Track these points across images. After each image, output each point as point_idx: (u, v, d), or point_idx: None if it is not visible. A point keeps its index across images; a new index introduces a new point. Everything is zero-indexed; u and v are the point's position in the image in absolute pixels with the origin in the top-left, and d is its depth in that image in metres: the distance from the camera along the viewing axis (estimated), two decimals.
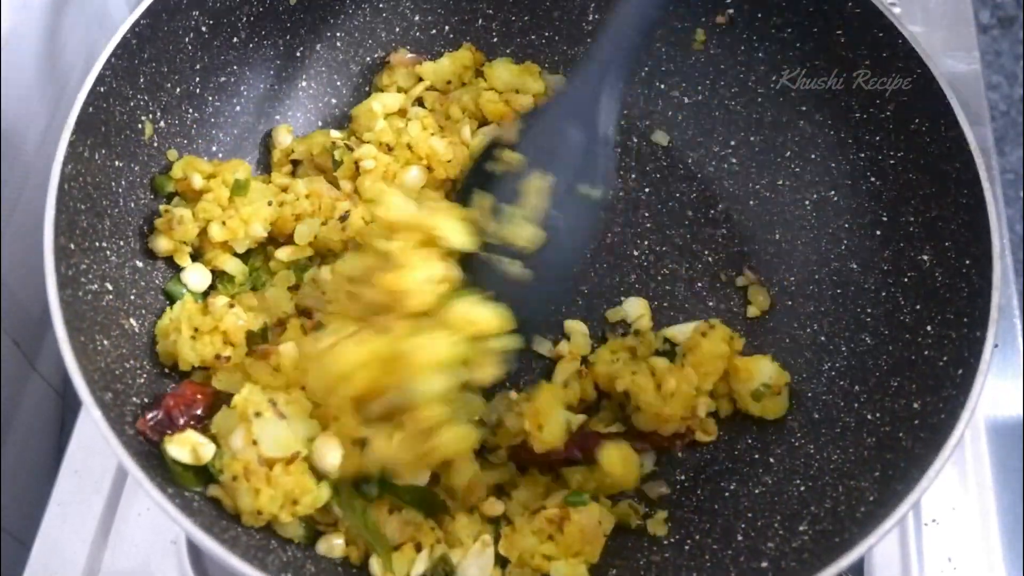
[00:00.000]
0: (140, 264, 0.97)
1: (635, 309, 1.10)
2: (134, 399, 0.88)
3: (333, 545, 0.88)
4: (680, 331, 1.07)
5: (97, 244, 0.92)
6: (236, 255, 1.04)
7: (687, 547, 0.93)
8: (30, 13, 1.08)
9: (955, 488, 1.03)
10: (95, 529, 1.00)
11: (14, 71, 1.07)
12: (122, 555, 0.99)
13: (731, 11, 1.15)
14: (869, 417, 0.94)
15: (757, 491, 0.96)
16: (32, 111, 1.12)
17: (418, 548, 0.88)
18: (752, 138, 1.17)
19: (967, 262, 0.92)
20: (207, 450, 0.85)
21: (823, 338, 1.04)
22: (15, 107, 1.08)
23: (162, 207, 1.01)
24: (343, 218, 1.04)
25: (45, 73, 1.13)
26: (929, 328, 0.93)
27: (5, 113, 1.06)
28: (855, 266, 1.05)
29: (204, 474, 0.86)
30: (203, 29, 1.04)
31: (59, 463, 1.04)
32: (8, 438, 1.11)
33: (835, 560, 0.78)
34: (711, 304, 1.11)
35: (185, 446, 0.85)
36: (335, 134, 1.13)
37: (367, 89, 1.21)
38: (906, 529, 1.01)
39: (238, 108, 1.11)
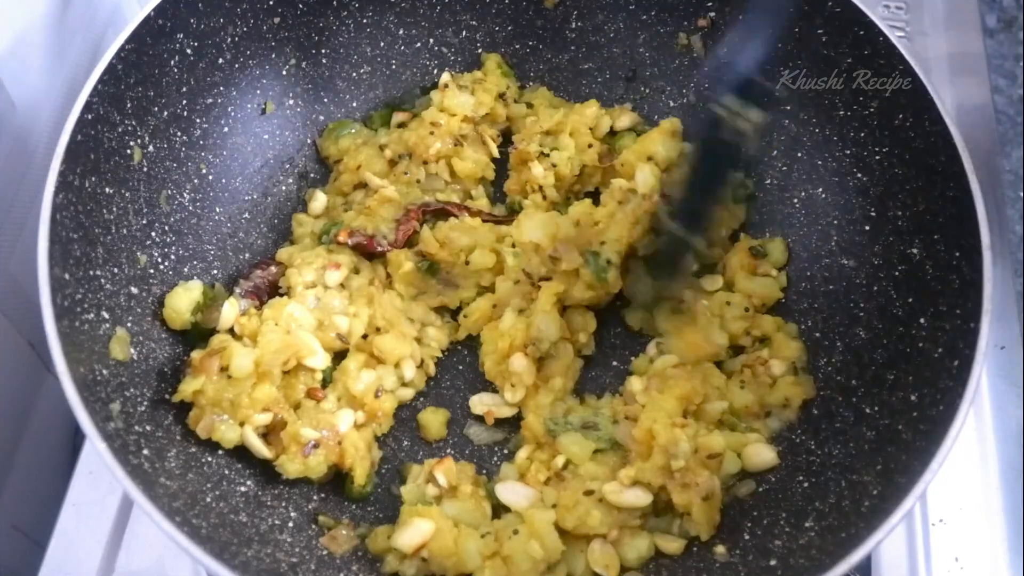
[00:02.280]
0: (135, 291, 0.97)
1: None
2: (136, 427, 0.87)
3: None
4: None
5: (91, 272, 0.91)
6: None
7: (695, 548, 0.93)
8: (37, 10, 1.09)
9: (962, 488, 1.04)
10: (110, 529, 1.00)
11: (20, 72, 1.07)
12: (136, 555, 0.99)
13: (712, 14, 1.16)
14: (868, 411, 0.95)
15: (761, 489, 0.96)
16: (42, 115, 1.13)
17: None
18: None
19: (957, 254, 0.93)
20: None
21: (818, 334, 1.05)
22: (26, 112, 1.08)
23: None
24: None
25: (53, 72, 1.14)
26: (922, 320, 0.94)
27: (18, 120, 1.06)
28: (846, 262, 1.06)
29: None
30: (188, 52, 1.03)
31: (74, 463, 1.03)
32: (24, 439, 1.11)
33: (844, 556, 0.78)
34: None
35: None
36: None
37: (354, 104, 1.21)
38: (913, 529, 1.02)
39: (226, 129, 1.11)
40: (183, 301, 0.99)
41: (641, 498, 0.93)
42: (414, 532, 0.91)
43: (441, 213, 1.12)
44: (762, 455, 0.97)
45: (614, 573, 0.91)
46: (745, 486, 0.97)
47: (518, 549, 0.91)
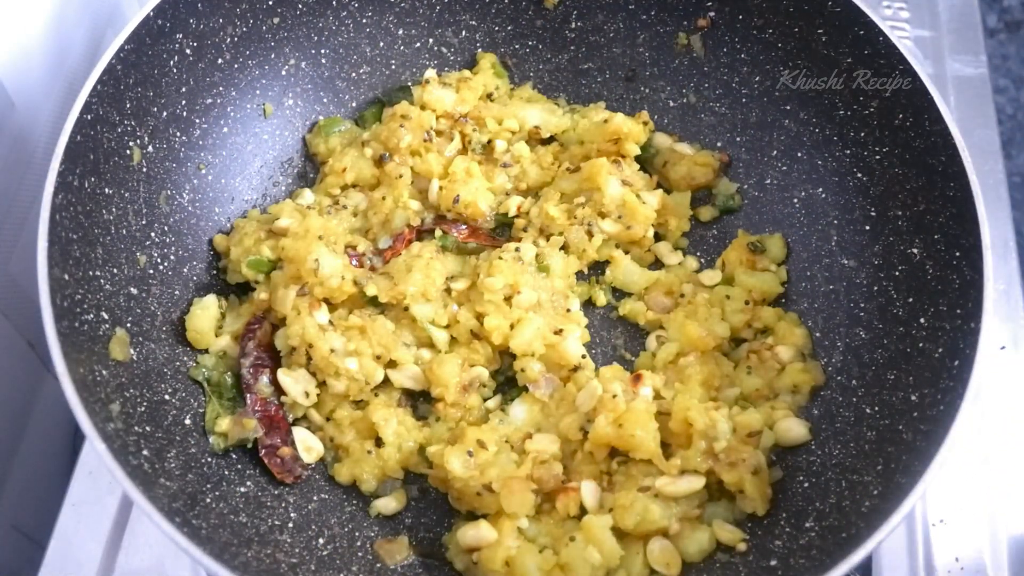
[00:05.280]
0: (135, 291, 0.96)
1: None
2: (135, 428, 0.87)
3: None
4: None
5: (91, 273, 0.91)
6: None
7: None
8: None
9: (962, 488, 1.04)
10: (109, 529, 1.00)
11: (20, 72, 1.07)
12: (136, 555, 0.99)
13: (712, 14, 1.16)
14: (868, 411, 0.95)
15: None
16: (42, 115, 1.13)
17: None
18: (738, 139, 1.18)
19: (957, 254, 0.93)
20: None
21: (818, 334, 1.05)
22: (26, 112, 1.08)
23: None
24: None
25: (53, 72, 1.13)
26: (922, 320, 0.94)
27: (18, 120, 1.06)
28: (846, 261, 1.06)
29: None
30: (187, 52, 1.03)
31: (74, 464, 1.04)
32: (24, 439, 1.12)
33: (845, 556, 0.78)
34: None
35: None
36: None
37: (353, 105, 1.21)
38: (914, 529, 1.02)
39: (226, 129, 1.11)
40: (202, 321, 0.99)
41: (694, 483, 0.92)
42: (475, 534, 0.92)
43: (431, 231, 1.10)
44: (794, 430, 0.98)
45: (675, 571, 0.91)
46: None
47: (576, 556, 0.89)
